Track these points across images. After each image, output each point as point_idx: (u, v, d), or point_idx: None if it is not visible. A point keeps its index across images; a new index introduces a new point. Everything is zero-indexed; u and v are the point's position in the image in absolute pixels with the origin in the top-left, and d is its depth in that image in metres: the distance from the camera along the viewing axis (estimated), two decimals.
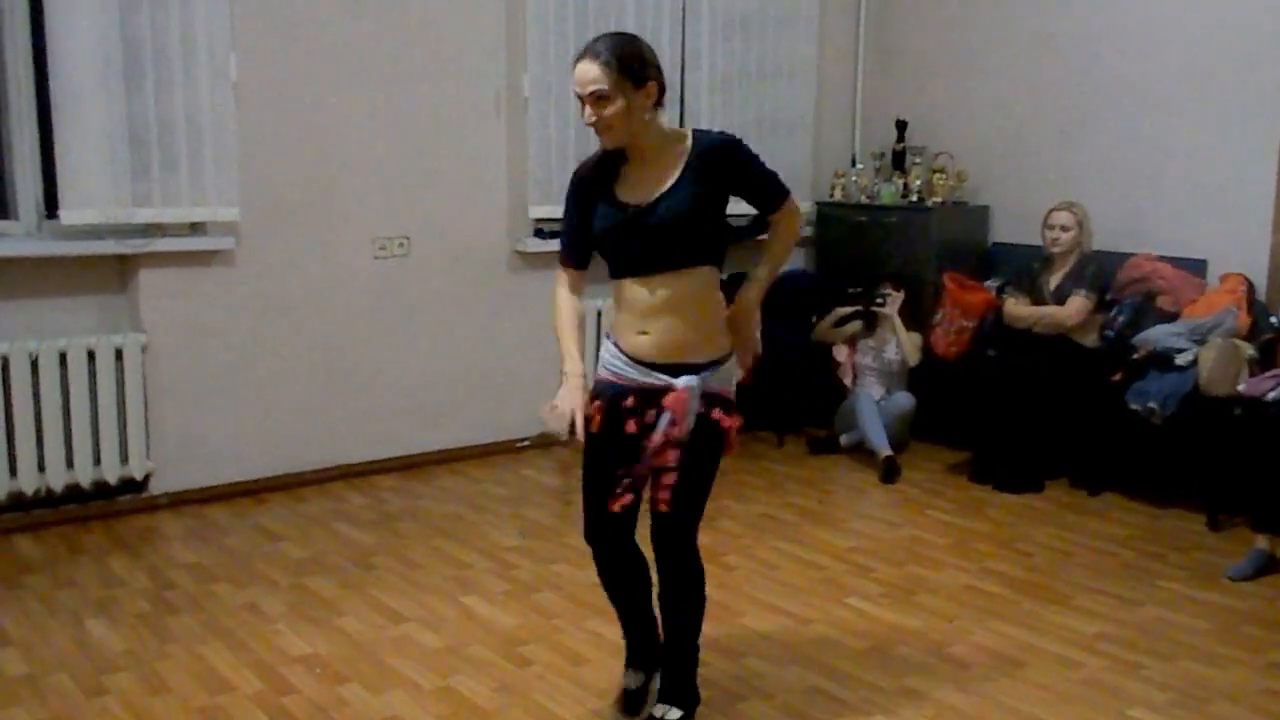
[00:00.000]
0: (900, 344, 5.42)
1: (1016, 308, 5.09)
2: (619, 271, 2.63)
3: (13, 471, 4.12)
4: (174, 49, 4.18)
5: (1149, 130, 5.26)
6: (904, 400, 5.42)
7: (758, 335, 2.72)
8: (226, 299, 4.53)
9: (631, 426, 2.61)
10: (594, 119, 2.50)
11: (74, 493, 4.30)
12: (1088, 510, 4.68)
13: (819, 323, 5.77)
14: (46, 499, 4.26)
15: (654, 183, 2.56)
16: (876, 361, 5.52)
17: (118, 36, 4.06)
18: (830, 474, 5.22)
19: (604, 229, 2.62)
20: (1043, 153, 5.69)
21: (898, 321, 5.42)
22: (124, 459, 4.35)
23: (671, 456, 2.58)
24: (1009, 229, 5.83)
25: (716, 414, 2.61)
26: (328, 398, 4.84)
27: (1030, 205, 5.43)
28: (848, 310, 5.65)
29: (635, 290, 2.60)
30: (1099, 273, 4.98)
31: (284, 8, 4.52)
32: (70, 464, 4.24)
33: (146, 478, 4.44)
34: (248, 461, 4.67)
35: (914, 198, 5.89)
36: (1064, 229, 5.01)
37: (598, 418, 2.63)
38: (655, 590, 2.80)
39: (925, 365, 5.43)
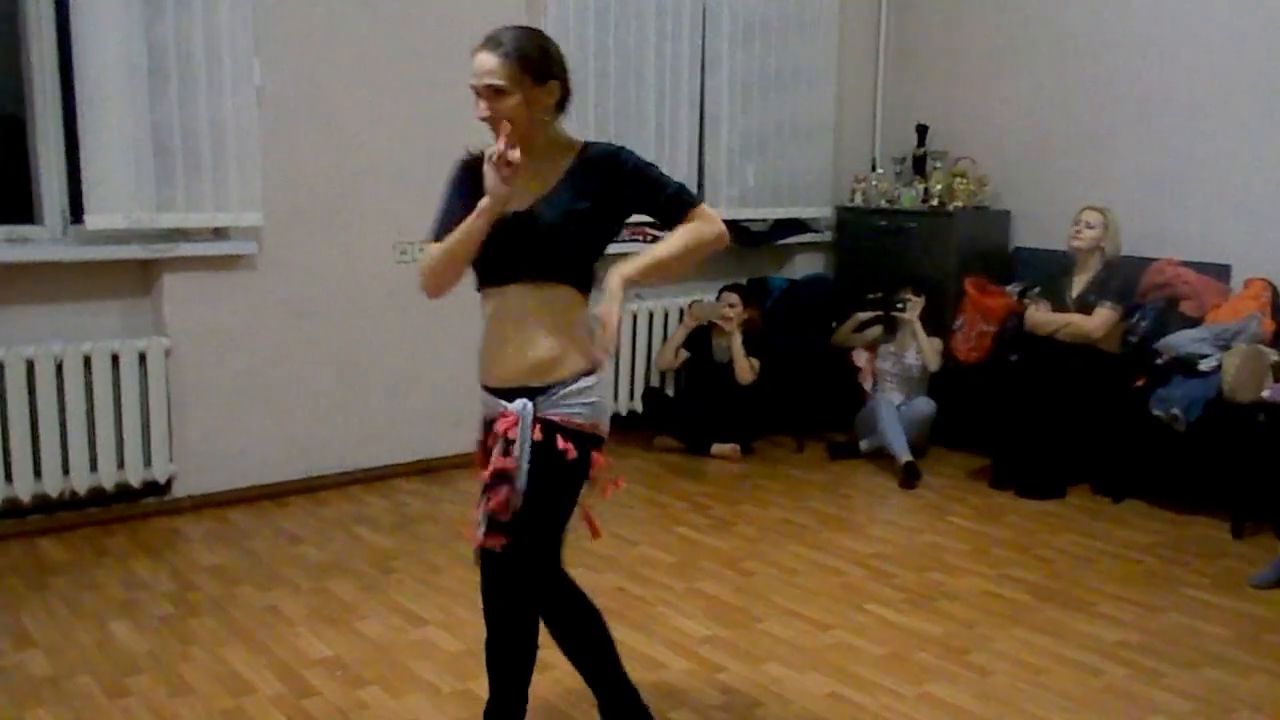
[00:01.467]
0: (921, 349, 5.41)
1: (1038, 314, 5.06)
2: (484, 279, 2.43)
3: (37, 474, 4.15)
4: (198, 54, 4.22)
5: (1172, 134, 5.23)
6: (924, 405, 5.40)
7: (613, 325, 2.28)
8: (249, 303, 4.56)
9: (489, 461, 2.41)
10: (487, 114, 2.30)
11: (98, 495, 4.33)
12: (1110, 517, 4.66)
13: (839, 328, 5.77)
14: (71, 501, 4.29)
15: (532, 189, 2.38)
16: (896, 367, 5.50)
17: (142, 43, 4.09)
18: (850, 479, 5.21)
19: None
20: (1065, 157, 5.67)
21: (918, 326, 5.41)
22: (147, 462, 4.39)
23: (500, 492, 2.34)
24: (1031, 234, 5.81)
25: (561, 443, 2.35)
26: (348, 401, 4.87)
27: (1052, 210, 5.41)
28: (868, 315, 5.65)
29: (498, 302, 2.41)
30: (1125, 284, 4.95)
31: (306, 13, 4.56)
32: (94, 467, 4.27)
33: (169, 481, 4.47)
34: (269, 465, 4.70)
35: (934, 202, 5.87)
36: (1089, 226, 4.99)
37: (480, 451, 2.47)
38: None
39: (946, 370, 5.42)
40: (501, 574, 2.45)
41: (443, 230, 2.46)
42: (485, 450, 2.44)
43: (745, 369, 5.43)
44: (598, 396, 2.43)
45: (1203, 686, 3.16)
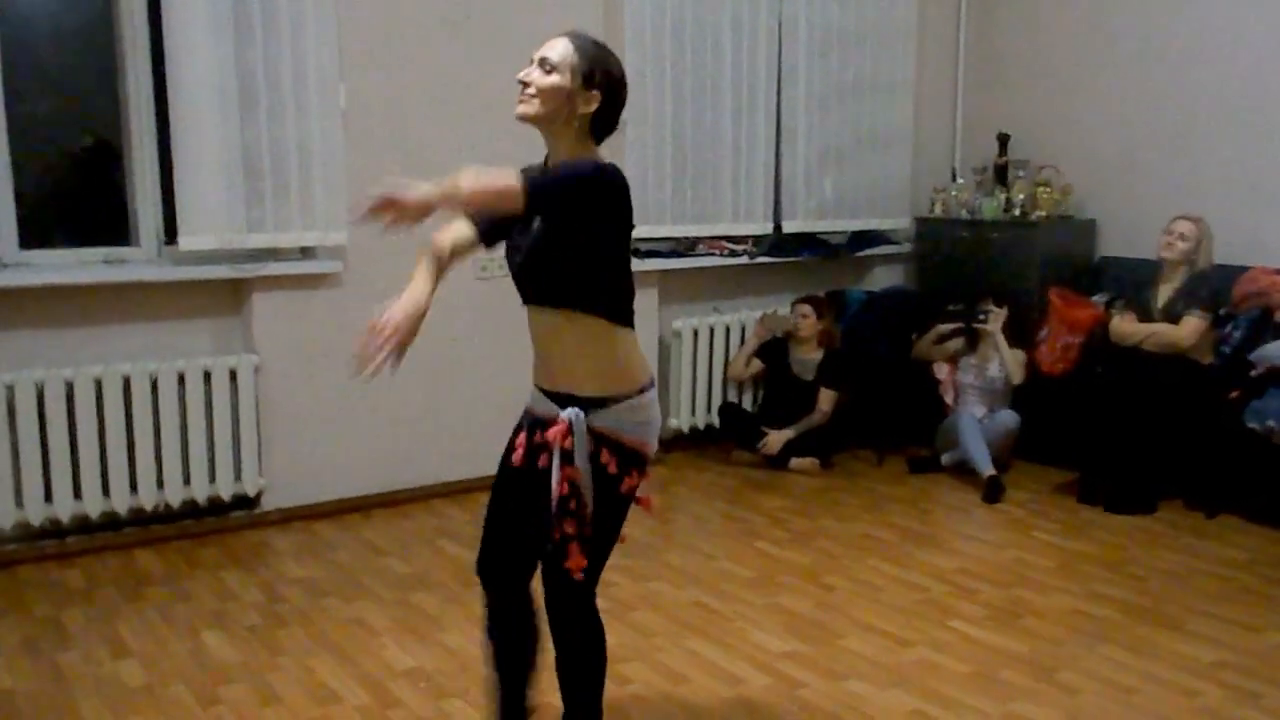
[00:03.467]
0: (1003, 361, 5.32)
1: (1124, 324, 4.95)
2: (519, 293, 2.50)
3: (133, 488, 4.28)
4: (286, 80, 4.33)
5: (1262, 139, 5.09)
6: (1008, 419, 5.31)
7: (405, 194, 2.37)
8: (335, 320, 4.65)
9: (543, 460, 2.43)
10: (527, 79, 2.37)
11: (190, 508, 4.45)
12: (1204, 533, 4.53)
13: (919, 340, 5.70)
14: (164, 515, 4.41)
15: None
16: (979, 379, 5.42)
17: (232, 69, 4.21)
18: (931, 493, 5.14)
19: (508, 245, 2.53)
20: (1152, 164, 5.54)
21: (1000, 339, 5.32)
22: (237, 476, 4.50)
23: (572, 505, 2.36)
24: (1117, 243, 5.69)
25: (604, 457, 2.36)
26: (431, 416, 4.94)
27: (1140, 218, 5.29)
28: (949, 327, 5.57)
29: (530, 316, 2.50)
30: (1213, 292, 4.81)
31: (390, 39, 4.65)
32: (187, 481, 4.39)
33: (259, 494, 4.58)
34: (355, 478, 4.79)
35: (1017, 212, 5.78)
36: (1182, 238, 4.86)
37: (519, 451, 2.50)
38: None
39: (1030, 383, 5.32)
40: (550, 584, 2.44)
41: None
42: (529, 445, 2.46)
43: (825, 398, 5.43)
44: (648, 417, 2.44)
45: None
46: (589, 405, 2.38)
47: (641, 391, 2.42)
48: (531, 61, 2.38)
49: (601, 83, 2.35)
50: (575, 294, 2.37)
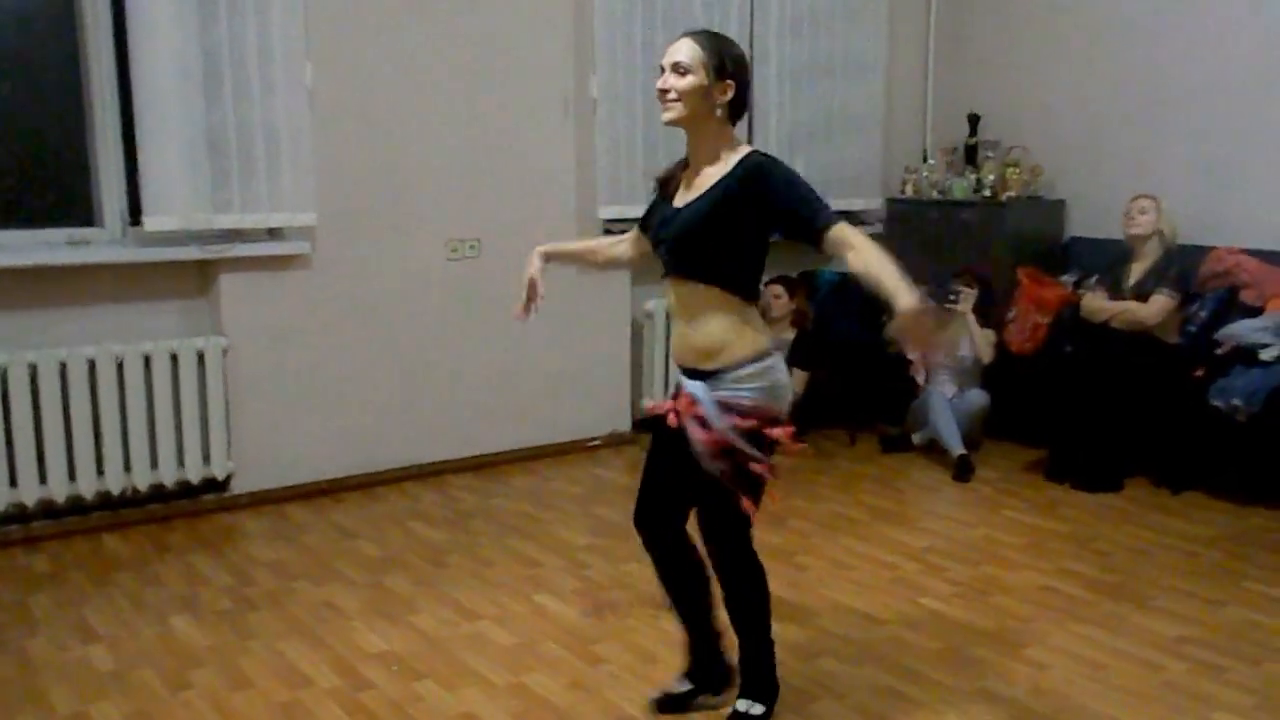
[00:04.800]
0: (974, 341, 5.35)
1: (1095, 301, 4.99)
2: (662, 267, 2.70)
3: (100, 472, 4.24)
4: (251, 59, 4.28)
5: (1230, 120, 5.13)
6: (978, 398, 5.35)
7: (930, 339, 2.53)
8: (304, 302, 4.62)
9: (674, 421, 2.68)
10: (666, 86, 2.54)
11: (159, 492, 4.42)
12: (1169, 509, 4.58)
13: (890, 321, 5.71)
14: (132, 499, 4.38)
15: (695, 190, 2.61)
16: (949, 359, 5.45)
17: (197, 47, 4.16)
18: (903, 472, 5.17)
19: (652, 224, 2.76)
20: (1121, 145, 5.57)
21: (971, 318, 5.35)
22: (206, 459, 4.47)
23: (712, 463, 2.60)
24: (1086, 223, 5.73)
25: (737, 419, 2.58)
26: (402, 398, 4.92)
27: (1108, 198, 5.32)
28: None
29: (670, 289, 2.67)
30: (1182, 272, 4.85)
31: (357, 16, 4.60)
32: (155, 464, 4.35)
33: (228, 478, 4.55)
34: (325, 461, 4.76)
35: (987, 193, 5.80)
36: (1142, 211, 4.92)
37: (673, 415, 2.69)
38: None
39: (1000, 362, 5.36)
40: (714, 537, 2.72)
41: (643, 216, 2.86)
42: (672, 413, 2.68)
43: (797, 379, 5.42)
44: (768, 381, 2.61)
45: (1267, 681, 3.10)
46: (709, 378, 2.60)
47: (757, 359, 2.60)
48: (663, 70, 2.56)
49: (732, 70, 2.54)
50: (709, 268, 2.58)
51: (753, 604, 2.78)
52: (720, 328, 2.58)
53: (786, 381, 2.68)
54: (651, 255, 2.84)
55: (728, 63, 2.54)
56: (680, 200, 2.64)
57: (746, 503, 2.62)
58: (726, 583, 2.76)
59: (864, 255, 2.46)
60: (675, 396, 2.71)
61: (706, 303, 2.58)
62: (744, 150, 2.59)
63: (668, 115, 2.57)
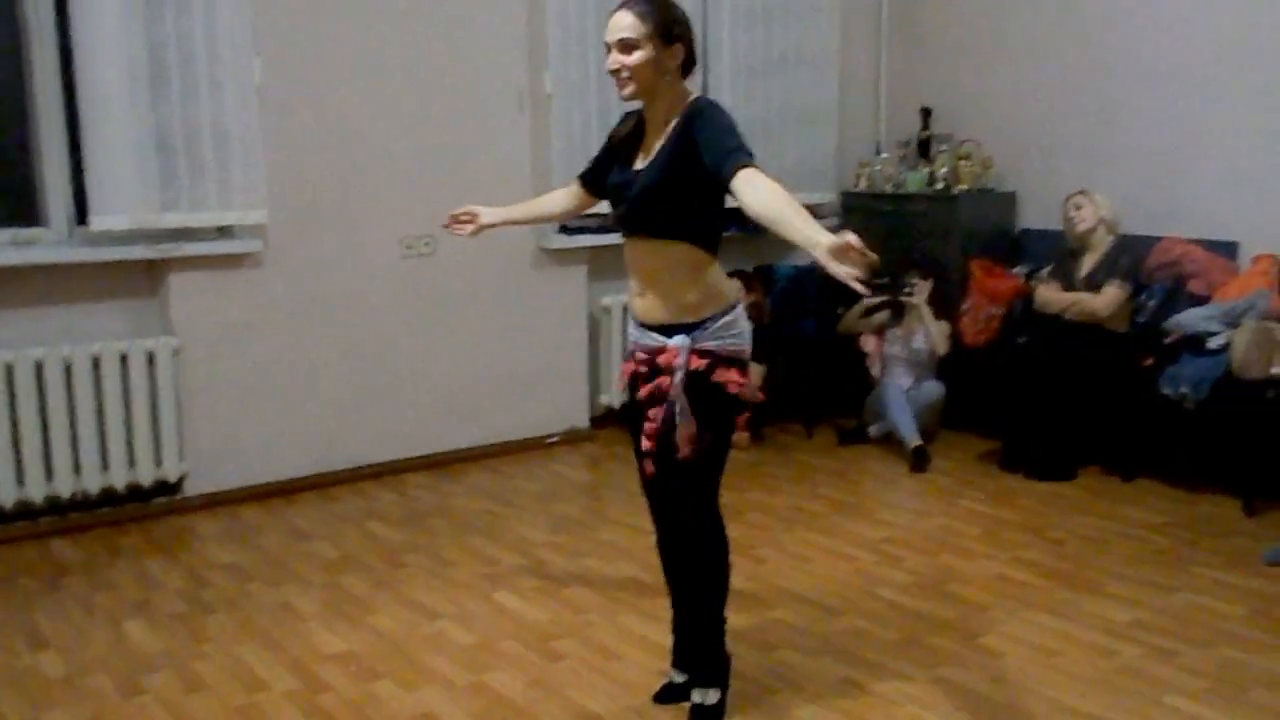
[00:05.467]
0: (928, 333, 5.39)
1: (1048, 292, 5.05)
2: (619, 230, 2.73)
3: (49, 476, 4.17)
4: (198, 54, 4.22)
5: (1178, 112, 5.20)
6: (933, 389, 5.39)
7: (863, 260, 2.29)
8: (256, 301, 4.57)
9: (641, 389, 2.69)
10: (617, 65, 2.53)
11: (110, 496, 4.35)
12: (1120, 497, 4.65)
13: (845, 313, 5.75)
14: (83, 502, 4.31)
15: (652, 152, 2.62)
16: (905, 351, 5.49)
17: (143, 43, 4.10)
18: (860, 465, 5.20)
19: (610, 185, 2.75)
20: (1070, 137, 5.64)
21: (925, 310, 5.39)
22: (158, 461, 4.40)
23: (653, 413, 2.63)
24: (1037, 215, 5.79)
25: (719, 374, 2.61)
26: (357, 397, 4.88)
27: (1059, 190, 5.37)
28: (875, 300, 5.62)
29: (628, 251, 2.69)
30: (1133, 263, 4.92)
31: (306, 11, 4.55)
32: (105, 467, 4.29)
33: (181, 479, 4.49)
34: (280, 461, 4.71)
35: (940, 186, 5.85)
36: (1077, 208, 4.99)
37: (626, 379, 2.74)
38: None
39: (954, 354, 5.41)
40: (666, 499, 2.76)
41: (587, 171, 2.91)
42: (635, 377, 2.71)
43: (754, 373, 5.44)
44: (742, 325, 2.68)
45: (1217, 665, 3.15)
46: (694, 329, 2.60)
47: (733, 308, 2.66)
48: (609, 48, 2.54)
49: (678, 33, 2.55)
50: (678, 225, 2.58)
51: (711, 570, 2.79)
52: (694, 282, 2.60)
53: (750, 325, 2.74)
54: (585, 207, 2.97)
55: (673, 27, 2.54)
56: (640, 163, 2.65)
57: (739, 421, 2.69)
58: (689, 547, 2.77)
59: (764, 195, 2.31)
60: (633, 357, 2.73)
61: (678, 260, 2.59)
62: (689, 98, 2.60)
63: (626, 92, 2.57)
